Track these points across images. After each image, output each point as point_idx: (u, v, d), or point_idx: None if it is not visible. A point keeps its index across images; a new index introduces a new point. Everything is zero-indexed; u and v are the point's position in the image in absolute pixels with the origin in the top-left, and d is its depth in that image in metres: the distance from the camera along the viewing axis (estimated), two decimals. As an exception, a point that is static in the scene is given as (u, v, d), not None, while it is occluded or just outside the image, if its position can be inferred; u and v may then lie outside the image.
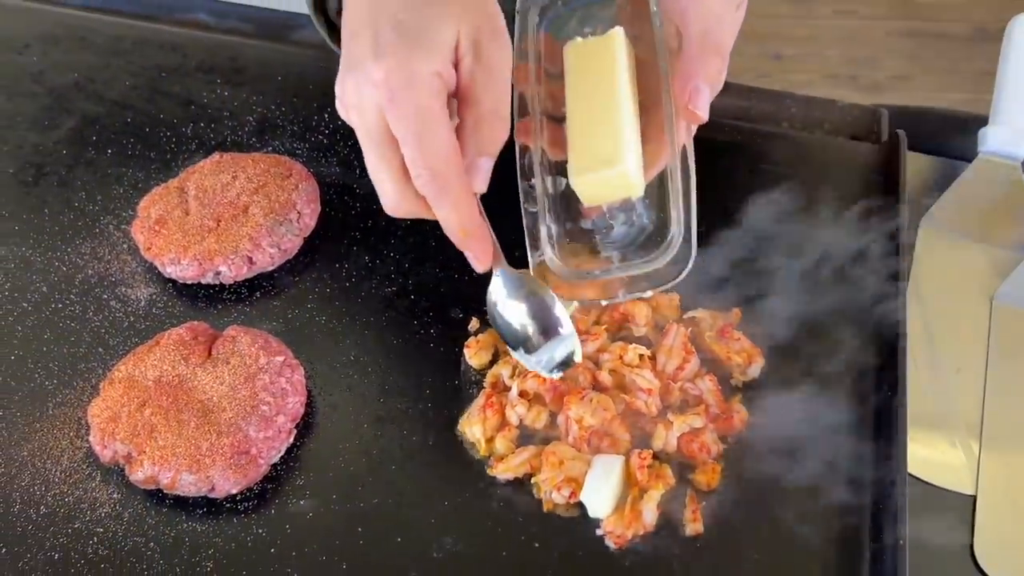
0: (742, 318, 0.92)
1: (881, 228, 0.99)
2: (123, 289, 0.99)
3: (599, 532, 0.80)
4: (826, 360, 0.90)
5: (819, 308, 0.95)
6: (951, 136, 1.30)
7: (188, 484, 0.80)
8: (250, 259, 0.96)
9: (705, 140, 1.12)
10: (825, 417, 0.85)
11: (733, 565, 0.78)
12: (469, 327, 0.94)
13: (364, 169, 1.05)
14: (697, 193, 1.01)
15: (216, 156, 1.06)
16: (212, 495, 0.81)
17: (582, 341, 0.89)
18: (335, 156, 1.11)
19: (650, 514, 0.79)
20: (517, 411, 0.85)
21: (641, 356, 0.87)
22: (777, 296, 0.95)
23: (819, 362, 0.90)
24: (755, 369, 0.88)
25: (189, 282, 0.97)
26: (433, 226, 1.07)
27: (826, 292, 0.96)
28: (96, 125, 1.15)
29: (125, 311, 0.97)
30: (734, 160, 1.09)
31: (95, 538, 0.81)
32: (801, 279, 0.96)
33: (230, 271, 0.96)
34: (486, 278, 0.98)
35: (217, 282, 0.97)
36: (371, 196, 1.06)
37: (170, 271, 0.96)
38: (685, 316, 0.92)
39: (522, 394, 0.86)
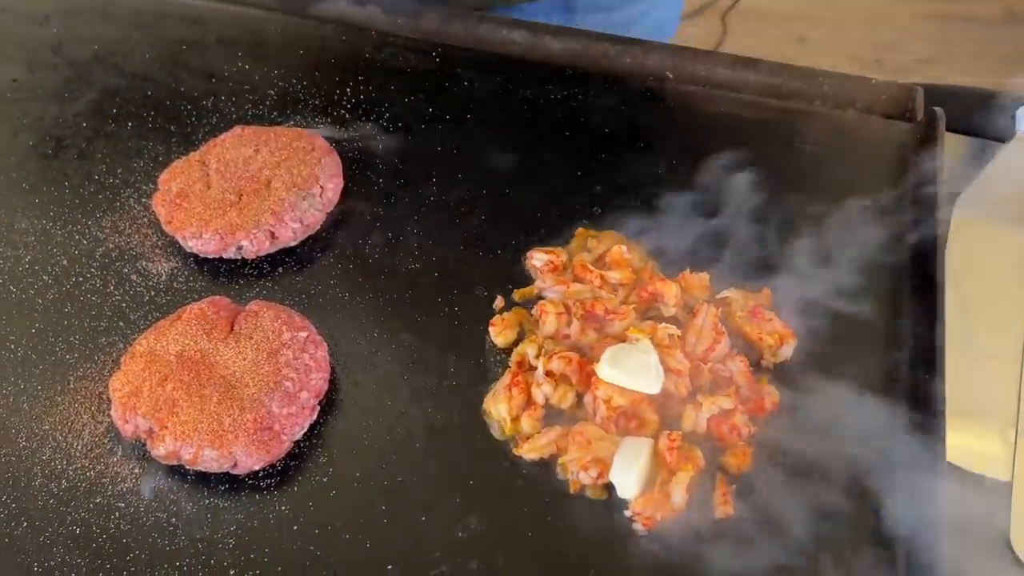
0: (773, 299, 0.90)
1: (917, 209, 0.97)
2: (144, 263, 0.97)
3: (627, 514, 0.78)
4: (859, 343, 0.88)
5: (853, 290, 0.93)
6: (984, 115, 1.27)
7: (210, 460, 0.79)
8: (272, 234, 0.95)
9: (734, 117, 1.11)
10: (858, 400, 0.83)
11: (764, 549, 0.76)
12: (494, 305, 0.92)
13: (387, 144, 1.04)
14: (728, 171, 1.01)
15: (238, 129, 1.04)
16: (234, 471, 0.80)
17: (609, 320, 0.87)
18: (357, 131, 1.09)
19: (679, 496, 0.77)
20: (543, 390, 0.83)
21: (671, 336, 0.85)
22: (810, 277, 0.93)
23: (852, 344, 0.88)
24: (787, 350, 0.86)
25: (210, 256, 0.96)
26: (457, 202, 1.06)
27: (860, 274, 0.94)
28: (116, 98, 1.14)
29: (146, 285, 0.96)
30: (765, 139, 1.07)
31: (116, 513, 0.80)
32: (834, 260, 0.94)
33: (252, 245, 0.94)
34: (511, 257, 0.97)
35: (239, 257, 0.96)
36: (394, 171, 1.06)
37: (191, 245, 0.95)
38: (716, 296, 0.90)
39: (548, 373, 0.84)
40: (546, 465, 0.81)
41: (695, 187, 1.01)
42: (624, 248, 0.92)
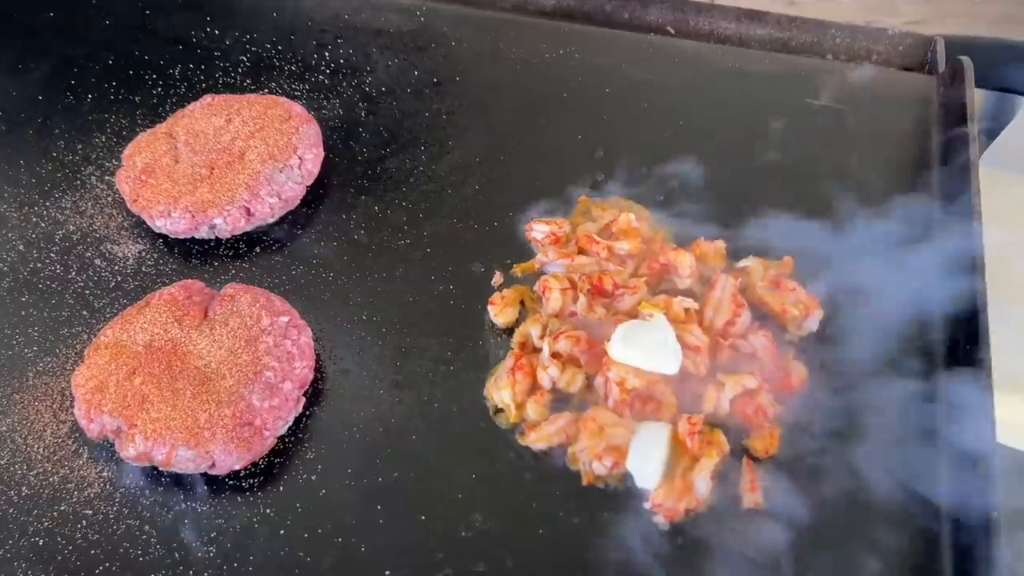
0: (795, 267, 0.83)
1: (949, 165, 0.90)
2: (109, 246, 0.89)
3: (646, 506, 0.71)
4: (891, 310, 0.81)
5: (881, 254, 0.86)
6: (1004, 68, 1.20)
7: (186, 460, 0.71)
8: (248, 210, 0.87)
9: (739, 72, 1.03)
10: (894, 374, 0.77)
11: (799, 540, 0.70)
12: (492, 282, 0.85)
13: (370, 111, 0.96)
14: (737, 130, 0.93)
15: (208, 98, 0.96)
16: (213, 472, 0.73)
17: (619, 296, 0.80)
18: (337, 97, 1.01)
19: (703, 485, 0.71)
20: (550, 373, 0.76)
21: (687, 310, 0.78)
22: (833, 243, 0.86)
23: (883, 312, 0.81)
24: (813, 322, 0.80)
25: (181, 237, 0.88)
26: (448, 172, 0.98)
27: (888, 237, 0.87)
28: (74, 68, 1.05)
29: (111, 270, 0.88)
30: (774, 94, 0.99)
31: (83, 521, 0.73)
32: (861, 224, 0.87)
33: (226, 223, 0.86)
34: (509, 230, 0.89)
35: (212, 236, 0.88)
36: (379, 140, 0.97)
37: (160, 225, 0.87)
38: (734, 266, 0.83)
39: (555, 355, 0.77)
40: (555, 455, 0.75)
41: (703, 149, 0.94)
42: (632, 216, 0.85)
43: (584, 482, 0.73)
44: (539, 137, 0.97)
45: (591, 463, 0.72)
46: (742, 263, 0.83)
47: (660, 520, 0.71)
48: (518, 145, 0.96)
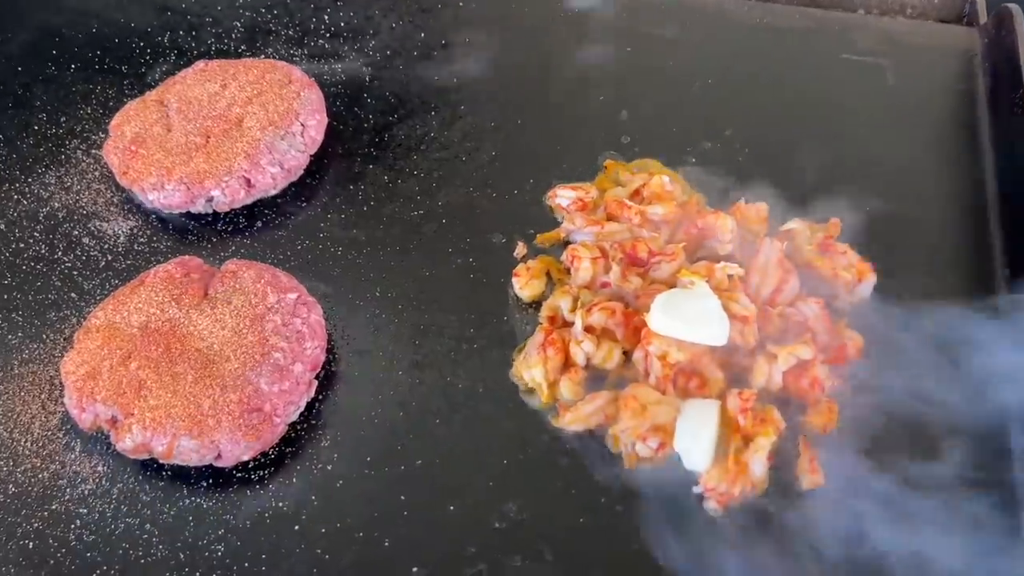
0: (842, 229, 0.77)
1: (997, 120, 0.84)
2: (97, 223, 0.83)
3: (696, 490, 0.65)
4: (946, 269, 0.76)
5: (932, 212, 0.80)
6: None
7: (188, 451, 0.65)
8: (247, 181, 0.80)
9: (767, 28, 0.97)
10: (953, 334, 0.71)
11: (862, 521, 0.63)
12: (515, 253, 0.79)
13: (375, 76, 0.89)
14: (770, 88, 0.87)
15: (200, 64, 0.89)
16: (219, 463, 0.66)
17: (655, 264, 0.74)
18: (339, 62, 0.95)
19: (759, 466, 0.65)
20: (584, 348, 0.70)
21: (731, 277, 0.72)
22: (880, 200, 0.80)
23: (937, 272, 0.75)
24: (866, 287, 0.74)
25: (176, 211, 0.81)
26: (462, 137, 0.92)
27: (939, 194, 0.82)
28: (56, 37, 0.98)
29: (101, 248, 0.81)
30: (809, 51, 0.94)
31: (78, 521, 0.66)
32: (909, 181, 0.82)
33: (224, 196, 0.80)
34: (530, 197, 0.83)
35: (210, 210, 0.81)
36: (385, 106, 0.91)
37: (152, 199, 0.80)
38: (777, 230, 0.77)
39: (588, 329, 0.71)
40: (594, 437, 0.69)
41: (734, 108, 0.88)
42: (666, 179, 0.79)
43: (627, 465, 0.67)
44: (557, 99, 0.91)
45: (634, 444, 0.66)
46: (786, 226, 0.77)
47: (712, 506, 0.65)
48: (535, 108, 0.90)
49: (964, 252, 0.78)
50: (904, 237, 0.78)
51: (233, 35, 0.98)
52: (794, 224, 0.76)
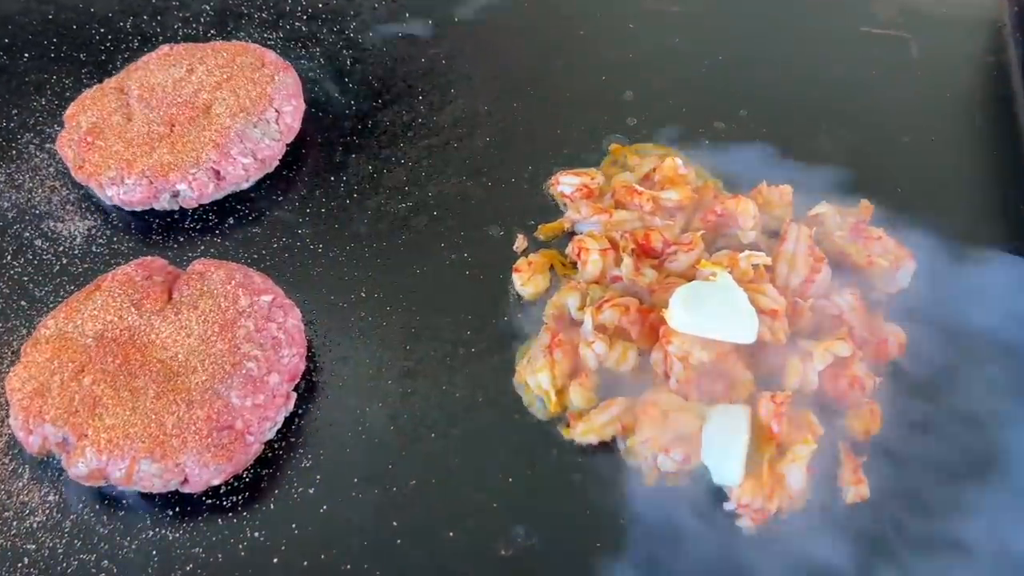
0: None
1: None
2: (51, 223, 0.75)
3: (729, 508, 0.57)
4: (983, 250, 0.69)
5: (966, 193, 0.74)
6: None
7: (150, 476, 0.57)
8: (217, 173, 0.73)
9: (785, 1, 0.90)
10: (1004, 329, 0.64)
11: (916, 536, 0.56)
12: (514, 247, 0.72)
13: (357, 59, 0.83)
14: (784, 65, 0.81)
15: (165, 48, 0.82)
16: (185, 489, 0.59)
17: (671, 255, 0.66)
18: (318, 45, 0.88)
19: (798, 477, 0.57)
20: (595, 350, 0.63)
21: (756, 267, 0.65)
22: (909, 182, 0.73)
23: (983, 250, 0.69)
24: (904, 276, 0.67)
25: (138, 209, 0.74)
26: (453, 123, 0.84)
27: (972, 174, 0.75)
28: (8, 25, 0.91)
29: (55, 251, 0.73)
30: (827, 24, 0.88)
31: (25, 559, 0.59)
32: (939, 160, 0.75)
33: (191, 190, 0.72)
34: (530, 185, 0.76)
35: (176, 207, 0.74)
36: (368, 91, 0.84)
37: (111, 195, 0.73)
38: (804, 215, 0.69)
39: (599, 328, 0.64)
40: (608, 449, 0.61)
41: (748, 86, 0.81)
42: (679, 161, 0.71)
43: (647, 482, 0.59)
44: (556, 80, 0.84)
45: (656, 458, 0.59)
46: (814, 210, 0.70)
47: (747, 524, 0.57)
48: (532, 90, 0.83)
49: (1002, 233, 0.71)
50: (937, 220, 0.71)
51: (202, 19, 0.90)
52: (822, 208, 0.69)
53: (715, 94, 0.81)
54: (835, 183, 0.73)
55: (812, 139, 0.78)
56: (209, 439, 0.58)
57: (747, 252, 0.65)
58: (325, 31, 0.88)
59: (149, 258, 0.68)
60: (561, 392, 0.63)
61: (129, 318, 0.63)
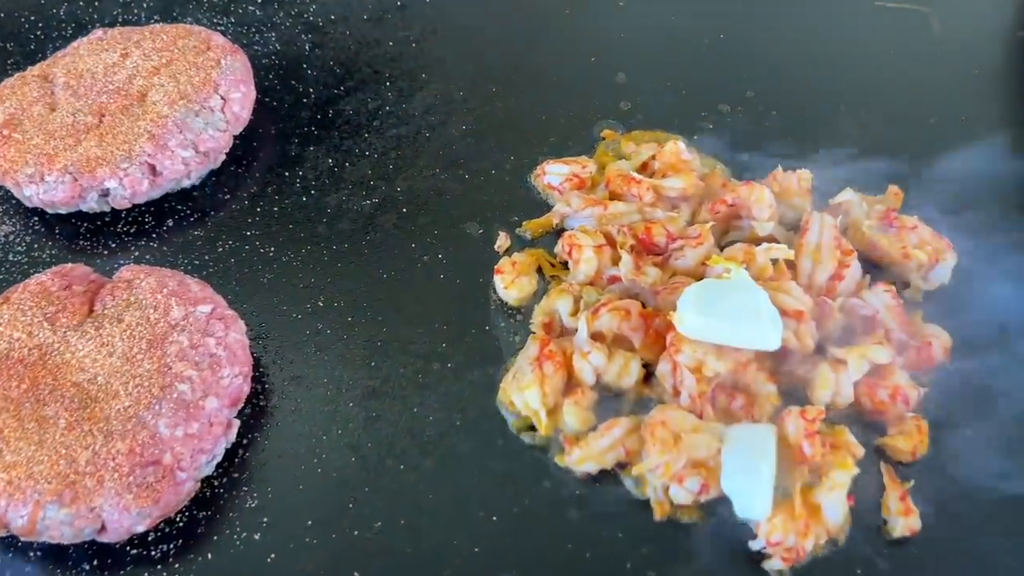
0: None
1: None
2: (-39, 229, 0.65)
3: (756, 546, 0.48)
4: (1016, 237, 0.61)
5: (995, 177, 0.66)
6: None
7: (59, 524, 0.48)
8: (152, 168, 0.64)
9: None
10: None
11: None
12: (496, 246, 0.63)
13: (317, 43, 0.75)
14: (799, 45, 0.74)
15: (98, 32, 0.74)
16: (104, 539, 0.50)
17: (677, 249, 0.57)
18: (273, 30, 0.79)
19: (836, 508, 0.49)
20: (592, 362, 0.55)
21: (775, 263, 0.56)
22: (932, 166, 0.65)
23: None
24: (943, 270, 0.58)
25: (63, 211, 0.66)
26: (424, 111, 0.75)
27: (1000, 157, 0.69)
28: (-74, 12, 0.81)
29: (-37, 261, 0.64)
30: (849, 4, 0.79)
31: (-93, 629, 0.48)
32: (964, 142, 0.68)
33: (123, 188, 0.63)
34: (512, 177, 0.67)
35: (106, 208, 0.66)
36: (330, 77, 0.76)
37: (30, 195, 0.64)
38: (826, 203, 0.61)
39: (596, 336, 0.55)
40: (611, 480, 0.52)
41: (752, 65, 0.74)
42: (681, 144, 0.63)
43: (658, 516, 0.50)
44: (540, 61, 0.77)
45: (667, 488, 0.50)
46: (837, 198, 0.61)
47: (777, 565, 0.48)
48: (513, 74, 0.75)
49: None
50: (965, 207, 0.63)
51: (144, 4, 0.83)
52: (846, 195, 0.61)
53: (718, 74, 0.73)
54: (858, 169, 0.65)
55: (829, 122, 0.70)
56: (131, 477, 0.49)
57: (765, 245, 0.56)
58: (282, 15, 0.80)
59: (69, 265, 0.59)
60: (553, 412, 0.55)
61: (40, 335, 0.54)
